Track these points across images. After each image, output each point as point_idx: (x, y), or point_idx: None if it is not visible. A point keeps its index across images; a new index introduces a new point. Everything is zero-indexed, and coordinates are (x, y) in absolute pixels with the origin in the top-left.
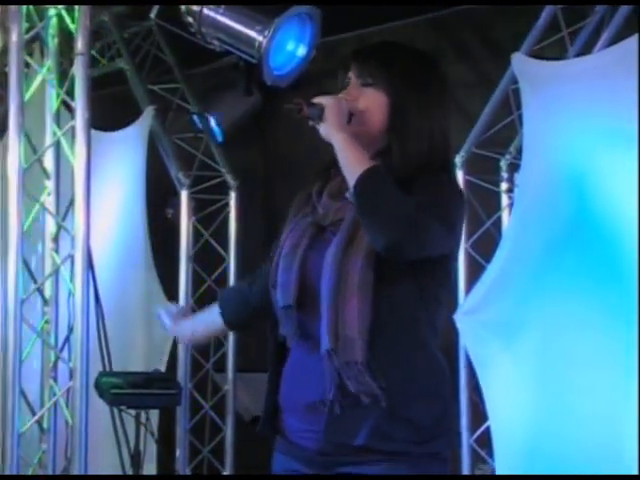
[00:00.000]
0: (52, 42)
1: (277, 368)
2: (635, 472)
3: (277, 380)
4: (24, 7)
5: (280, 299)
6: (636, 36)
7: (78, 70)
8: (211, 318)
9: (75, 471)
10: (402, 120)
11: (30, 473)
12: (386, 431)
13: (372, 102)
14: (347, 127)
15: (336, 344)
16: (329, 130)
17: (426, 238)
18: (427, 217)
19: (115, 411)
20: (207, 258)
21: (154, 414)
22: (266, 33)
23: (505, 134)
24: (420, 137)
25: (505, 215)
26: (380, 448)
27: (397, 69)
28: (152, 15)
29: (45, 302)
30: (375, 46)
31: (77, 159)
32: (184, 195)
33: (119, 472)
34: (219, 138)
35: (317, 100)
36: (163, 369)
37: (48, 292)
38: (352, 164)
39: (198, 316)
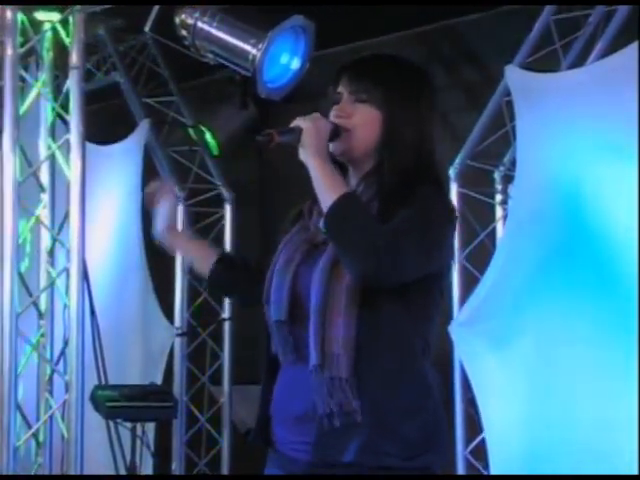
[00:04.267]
0: (47, 55)
1: (269, 380)
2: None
3: (269, 392)
4: (19, 21)
5: (273, 314)
6: (629, 48)
7: (73, 83)
8: (208, 252)
9: None
10: (395, 136)
11: None
12: (377, 447)
13: (367, 119)
14: (325, 150)
15: (323, 360)
16: (305, 155)
17: (402, 266)
18: (403, 244)
19: (111, 424)
20: None
21: (150, 427)
22: (260, 46)
23: (499, 146)
24: (410, 152)
25: (499, 227)
26: (370, 464)
27: (392, 85)
28: (146, 29)
29: (40, 315)
30: (367, 60)
31: (72, 172)
32: (179, 208)
33: None
34: (215, 151)
35: (295, 123)
36: (159, 382)
37: (43, 305)
38: (326, 192)
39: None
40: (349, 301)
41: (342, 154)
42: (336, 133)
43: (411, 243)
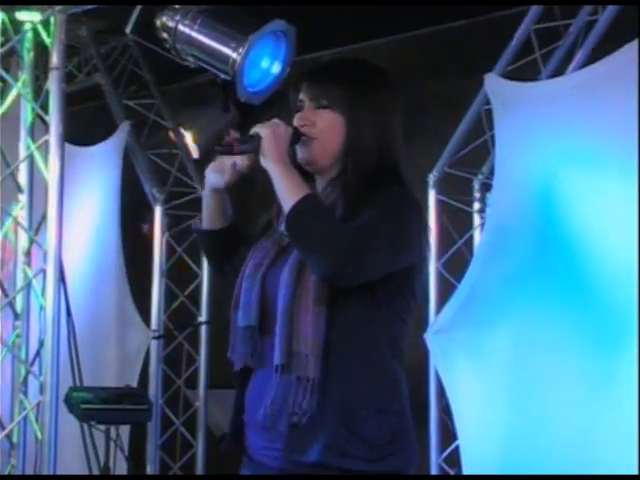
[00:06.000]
0: (27, 56)
1: (241, 385)
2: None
3: (241, 397)
4: None
5: (241, 319)
6: (609, 58)
7: (53, 84)
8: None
9: None
10: (356, 137)
11: None
12: (341, 447)
13: (329, 125)
14: (286, 155)
15: (289, 360)
16: (266, 162)
17: (366, 264)
18: (367, 242)
19: (85, 426)
20: (180, 274)
21: (124, 430)
22: (240, 50)
23: (478, 154)
24: (372, 153)
25: (477, 235)
26: (336, 465)
27: (350, 86)
28: (127, 30)
29: (16, 316)
30: (325, 65)
31: (50, 173)
32: (158, 210)
33: None
34: (194, 154)
35: (254, 131)
36: (134, 384)
37: (19, 306)
38: (286, 196)
39: None
40: (317, 300)
41: (309, 164)
42: (297, 137)
43: (376, 241)
